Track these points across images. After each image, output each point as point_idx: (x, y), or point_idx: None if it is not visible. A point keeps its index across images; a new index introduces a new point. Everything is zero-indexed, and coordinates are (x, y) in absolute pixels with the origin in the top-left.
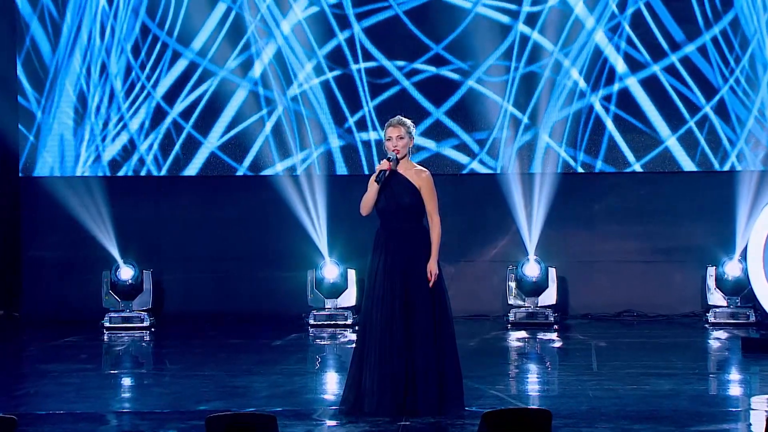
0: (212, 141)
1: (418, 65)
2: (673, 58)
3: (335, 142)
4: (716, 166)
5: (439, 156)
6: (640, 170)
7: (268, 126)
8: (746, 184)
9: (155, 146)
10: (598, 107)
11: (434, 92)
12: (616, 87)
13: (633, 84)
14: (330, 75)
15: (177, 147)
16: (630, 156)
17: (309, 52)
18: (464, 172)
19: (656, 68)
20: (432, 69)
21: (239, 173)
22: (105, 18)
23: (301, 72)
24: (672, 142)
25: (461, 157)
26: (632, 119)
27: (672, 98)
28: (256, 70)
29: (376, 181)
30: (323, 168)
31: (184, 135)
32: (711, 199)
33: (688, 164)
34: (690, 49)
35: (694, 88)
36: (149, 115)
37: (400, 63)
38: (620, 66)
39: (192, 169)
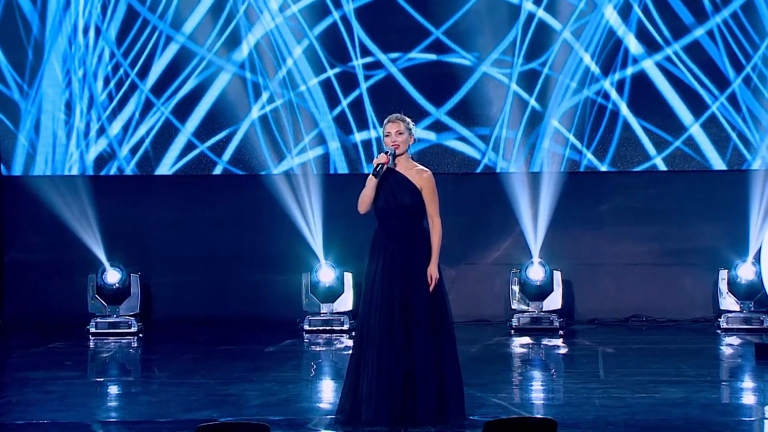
0: (203, 138)
1: (415, 54)
2: (674, 49)
3: (331, 140)
4: (748, 158)
5: (440, 153)
6: (660, 164)
7: (263, 122)
8: (760, 182)
9: (142, 143)
10: (611, 96)
11: (434, 84)
12: (629, 70)
13: (648, 70)
14: (330, 72)
15: (164, 144)
16: (651, 149)
17: (300, 39)
18: (478, 170)
19: (669, 51)
20: (432, 57)
21: (231, 171)
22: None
23: (290, 59)
24: (694, 132)
25: (466, 154)
26: (644, 112)
27: (687, 88)
28: (252, 66)
29: (374, 175)
30: (319, 166)
31: (172, 131)
32: (723, 199)
33: (714, 158)
34: (699, 32)
35: (705, 80)
36: (138, 110)
37: (395, 54)
38: (633, 47)
39: (182, 168)
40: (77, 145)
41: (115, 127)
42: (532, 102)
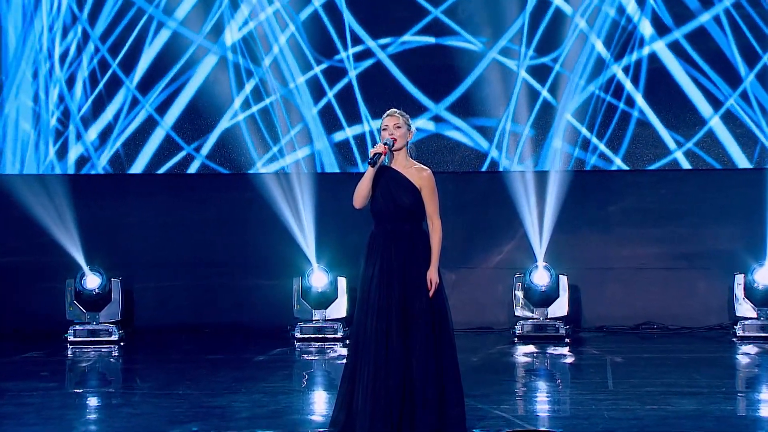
0: (186, 135)
1: (408, 37)
2: (685, 34)
3: (318, 137)
4: None
5: (439, 151)
6: (681, 159)
7: (251, 120)
8: None
9: (122, 140)
10: (625, 87)
11: (432, 76)
12: (645, 52)
13: (665, 61)
14: (318, 69)
15: (143, 141)
16: (670, 143)
17: (284, 28)
18: (480, 169)
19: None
20: (431, 40)
21: (217, 170)
22: None
23: (276, 45)
24: (715, 126)
25: (467, 145)
26: (660, 105)
27: (705, 80)
28: (235, 58)
29: (370, 164)
30: (310, 165)
31: (153, 128)
32: (739, 199)
33: (737, 155)
34: (705, 17)
35: (713, 77)
36: (124, 107)
37: (387, 40)
38: (647, 33)
39: (166, 167)
40: (53, 143)
41: (94, 123)
42: (545, 93)
